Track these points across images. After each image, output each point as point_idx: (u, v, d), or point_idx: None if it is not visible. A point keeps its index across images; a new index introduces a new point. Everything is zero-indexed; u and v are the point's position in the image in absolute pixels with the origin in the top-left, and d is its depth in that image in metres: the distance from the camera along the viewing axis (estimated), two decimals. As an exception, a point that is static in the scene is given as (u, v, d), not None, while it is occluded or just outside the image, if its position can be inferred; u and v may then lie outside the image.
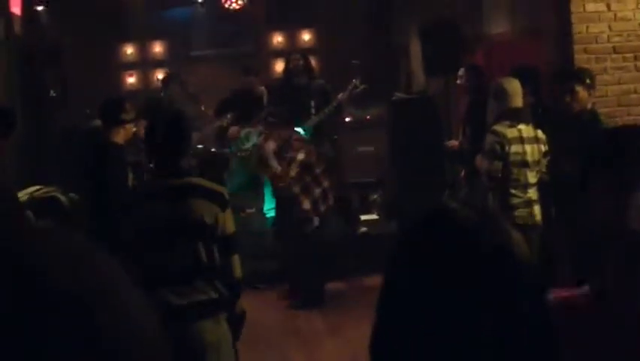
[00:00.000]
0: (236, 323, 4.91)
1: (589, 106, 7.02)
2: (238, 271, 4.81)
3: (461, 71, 9.07)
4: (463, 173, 8.98)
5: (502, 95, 6.82)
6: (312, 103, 10.09)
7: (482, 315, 1.44)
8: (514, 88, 6.82)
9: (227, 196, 4.84)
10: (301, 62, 10.34)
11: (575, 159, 6.60)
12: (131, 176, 6.84)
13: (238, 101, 11.01)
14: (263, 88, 11.33)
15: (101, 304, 0.78)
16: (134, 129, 7.06)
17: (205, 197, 4.69)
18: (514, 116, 6.77)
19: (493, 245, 1.49)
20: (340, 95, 10.23)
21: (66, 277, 0.77)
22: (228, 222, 4.75)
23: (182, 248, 4.63)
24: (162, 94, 11.86)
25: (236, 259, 4.80)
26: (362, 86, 10.31)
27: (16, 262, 0.77)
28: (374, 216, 11.61)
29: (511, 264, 1.48)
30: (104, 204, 6.58)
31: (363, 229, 10.37)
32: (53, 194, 6.94)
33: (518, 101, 6.82)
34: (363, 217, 10.87)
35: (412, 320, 1.47)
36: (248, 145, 10.51)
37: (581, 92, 6.93)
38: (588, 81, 7.02)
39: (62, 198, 6.97)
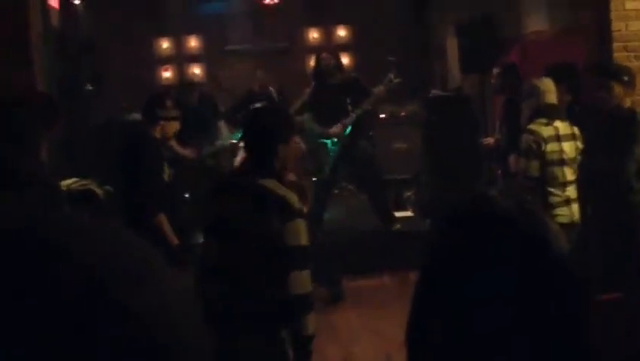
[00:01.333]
0: (299, 347, 4.43)
1: (627, 104, 6.89)
2: (299, 288, 4.31)
3: (496, 70, 9.01)
4: (499, 172, 8.93)
5: (535, 92, 6.75)
6: (348, 100, 10.01)
7: (519, 304, 1.43)
8: (547, 85, 6.76)
9: (295, 205, 4.38)
10: (332, 61, 10.23)
11: (611, 156, 6.56)
12: (168, 172, 6.84)
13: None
14: (272, 89, 11.38)
15: (161, 324, 0.76)
16: (176, 126, 7.01)
17: (268, 205, 4.32)
18: (549, 113, 6.69)
19: (531, 234, 1.47)
20: (377, 89, 10.15)
21: (132, 294, 0.75)
22: (293, 234, 4.32)
23: (237, 253, 4.38)
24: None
25: (296, 275, 4.31)
26: (397, 80, 10.23)
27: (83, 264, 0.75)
28: (409, 214, 11.57)
29: (550, 254, 1.47)
30: (137, 198, 6.60)
31: (398, 225, 10.33)
32: (90, 187, 7.00)
33: (552, 97, 6.74)
34: (397, 214, 10.82)
35: (449, 309, 1.46)
36: None
37: (617, 88, 6.81)
38: (626, 78, 6.85)
39: (98, 190, 7.02)
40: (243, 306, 4.34)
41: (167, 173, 6.83)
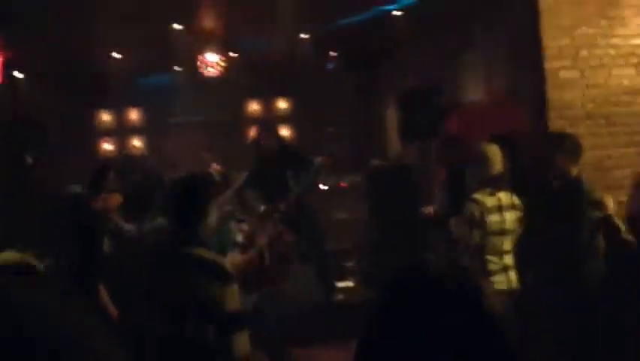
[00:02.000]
0: None
1: (573, 173, 6.93)
2: (241, 350, 4.37)
3: (436, 142, 9.08)
4: (441, 237, 8.98)
5: (483, 160, 6.83)
6: (289, 174, 10.03)
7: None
8: (494, 153, 6.84)
9: (228, 269, 4.46)
10: (272, 136, 10.25)
11: (558, 226, 6.62)
12: (108, 243, 6.79)
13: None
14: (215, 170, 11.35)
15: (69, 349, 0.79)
16: (119, 198, 6.99)
17: (204, 271, 4.36)
18: (495, 183, 6.76)
19: (465, 295, 1.50)
20: (318, 160, 10.20)
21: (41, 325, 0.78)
22: (230, 299, 4.35)
23: (173, 326, 4.36)
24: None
25: (238, 338, 4.36)
26: (332, 159, 10.31)
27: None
28: (350, 284, 11.55)
29: (482, 313, 1.49)
30: (76, 269, 6.53)
31: (340, 296, 10.32)
32: (27, 259, 6.91)
33: (499, 167, 6.83)
34: (339, 284, 10.81)
35: None
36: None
37: (561, 158, 6.90)
38: (570, 147, 6.90)
39: (37, 263, 6.93)
40: None
41: (106, 244, 6.77)
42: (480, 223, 6.65)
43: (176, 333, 4.37)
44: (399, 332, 1.49)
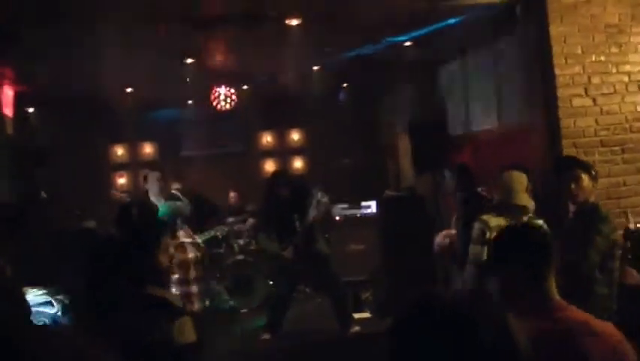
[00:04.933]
0: None
1: (592, 198, 6.90)
2: None
3: (448, 173, 9.03)
4: (455, 268, 8.94)
5: (507, 190, 6.77)
6: (296, 216, 10.13)
7: None
8: (519, 184, 6.81)
9: (177, 305, 4.44)
10: (286, 186, 10.36)
11: (574, 247, 6.56)
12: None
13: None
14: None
15: None
16: None
17: (155, 310, 4.29)
18: (512, 212, 6.70)
19: (486, 326, 1.49)
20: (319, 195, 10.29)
21: None
22: (181, 333, 4.28)
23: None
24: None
25: None
26: (324, 200, 10.42)
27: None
28: (367, 315, 11.51)
29: (506, 343, 1.49)
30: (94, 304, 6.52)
31: (357, 327, 10.27)
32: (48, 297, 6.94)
33: (522, 198, 6.79)
34: (355, 316, 10.76)
35: None
36: None
37: (586, 180, 6.83)
38: (593, 172, 6.81)
39: (53, 300, 6.96)
40: None
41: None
42: (483, 241, 6.64)
43: None
44: None
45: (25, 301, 5.50)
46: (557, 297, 3.37)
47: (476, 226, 6.80)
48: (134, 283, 4.45)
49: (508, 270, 3.35)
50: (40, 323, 7.12)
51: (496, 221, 6.72)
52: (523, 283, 3.31)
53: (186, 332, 4.31)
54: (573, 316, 3.25)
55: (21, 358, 0.69)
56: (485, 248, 6.67)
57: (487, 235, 6.67)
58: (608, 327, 3.19)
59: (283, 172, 11.44)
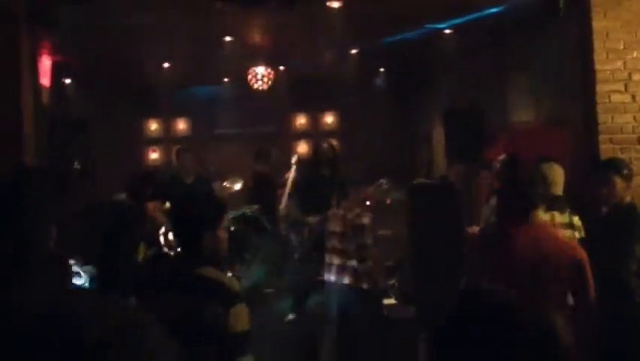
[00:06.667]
0: None
1: (627, 198, 6.72)
2: None
3: (499, 159, 8.78)
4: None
5: (542, 181, 6.68)
6: (334, 196, 10.07)
7: None
8: (556, 175, 6.75)
9: (236, 290, 4.33)
10: (330, 154, 10.35)
11: (612, 254, 6.44)
12: (144, 250, 6.79)
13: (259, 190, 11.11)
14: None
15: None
16: (163, 206, 7.02)
17: (209, 293, 4.24)
18: (551, 204, 6.61)
19: (533, 322, 1.48)
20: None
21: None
22: (236, 320, 4.23)
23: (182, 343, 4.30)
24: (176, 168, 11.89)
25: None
26: (386, 186, 10.36)
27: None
28: (392, 301, 11.50)
29: (553, 343, 1.47)
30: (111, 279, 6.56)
31: (383, 313, 10.26)
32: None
33: (559, 189, 6.74)
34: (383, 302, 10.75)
35: None
36: None
37: (620, 183, 6.70)
38: (625, 172, 6.72)
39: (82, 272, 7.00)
40: None
41: (142, 253, 6.77)
42: None
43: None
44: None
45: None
46: None
47: None
48: (188, 262, 4.46)
49: None
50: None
51: (543, 217, 6.63)
52: None
53: (242, 320, 4.27)
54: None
55: None
56: None
57: None
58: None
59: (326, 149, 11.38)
